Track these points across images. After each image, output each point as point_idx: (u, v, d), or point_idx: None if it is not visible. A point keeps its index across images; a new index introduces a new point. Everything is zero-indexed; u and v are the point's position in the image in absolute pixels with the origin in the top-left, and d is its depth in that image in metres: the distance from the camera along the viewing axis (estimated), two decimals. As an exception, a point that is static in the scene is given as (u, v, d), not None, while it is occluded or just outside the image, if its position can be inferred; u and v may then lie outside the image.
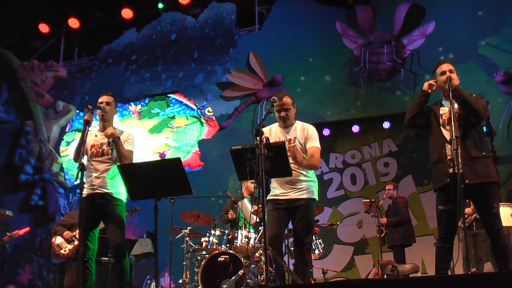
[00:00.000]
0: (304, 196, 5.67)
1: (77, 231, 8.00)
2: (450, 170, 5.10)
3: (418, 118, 5.45)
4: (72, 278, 8.17)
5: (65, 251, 8.39)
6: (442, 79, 5.32)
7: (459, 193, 4.85)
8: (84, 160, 5.99)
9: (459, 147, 4.96)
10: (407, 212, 10.04)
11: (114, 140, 6.08)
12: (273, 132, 5.93)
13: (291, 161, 5.51)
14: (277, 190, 5.76)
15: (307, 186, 5.71)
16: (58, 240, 8.43)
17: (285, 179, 5.67)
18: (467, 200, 5.49)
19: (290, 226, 5.95)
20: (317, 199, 5.84)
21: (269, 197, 5.71)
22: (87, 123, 5.87)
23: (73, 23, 14.39)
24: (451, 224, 5.18)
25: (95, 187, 6.05)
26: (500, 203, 7.87)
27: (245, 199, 8.75)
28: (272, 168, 5.23)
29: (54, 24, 14.70)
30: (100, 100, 6.31)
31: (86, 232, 5.99)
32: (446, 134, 5.23)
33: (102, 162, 6.13)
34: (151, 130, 13.43)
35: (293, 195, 5.67)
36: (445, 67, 5.40)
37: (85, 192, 6.04)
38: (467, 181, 4.97)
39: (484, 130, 10.54)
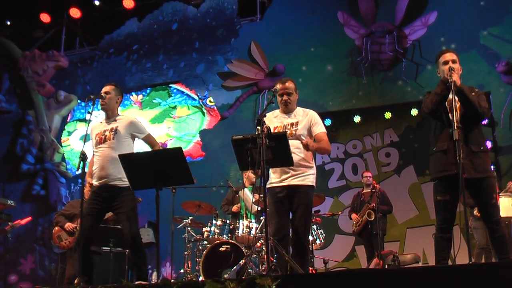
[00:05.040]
0: (303, 183, 5.63)
1: (78, 221, 8.02)
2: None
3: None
4: (74, 269, 8.22)
5: (65, 242, 8.41)
6: (444, 68, 5.26)
7: (461, 183, 4.84)
8: (88, 150, 6.01)
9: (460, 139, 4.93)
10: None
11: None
12: (274, 116, 5.92)
13: (292, 147, 5.50)
14: (274, 177, 5.74)
15: (306, 172, 5.67)
16: (58, 231, 8.45)
17: None
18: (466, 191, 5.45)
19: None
20: (315, 186, 5.81)
21: (268, 186, 5.65)
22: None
23: (75, 12, 14.37)
24: (450, 214, 5.16)
25: (101, 177, 6.02)
26: (501, 194, 7.95)
27: (245, 189, 8.76)
28: (274, 158, 5.23)
29: (56, 13, 14.68)
30: (101, 91, 6.33)
31: (90, 223, 5.97)
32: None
33: (105, 148, 6.09)
34: (153, 120, 13.43)
35: (291, 181, 5.63)
36: (448, 56, 5.31)
37: (94, 182, 6.06)
38: (465, 175, 4.95)
39: (486, 121, 10.61)
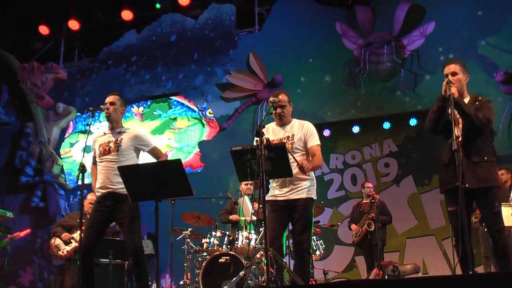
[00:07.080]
0: (303, 196, 5.64)
1: (77, 232, 8.03)
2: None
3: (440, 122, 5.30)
4: (72, 281, 8.20)
5: (62, 252, 8.41)
6: (444, 82, 5.27)
7: (461, 194, 4.83)
8: (88, 162, 6.02)
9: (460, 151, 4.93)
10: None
11: None
12: (270, 130, 5.91)
13: (291, 160, 5.49)
14: (276, 190, 5.73)
15: (306, 185, 5.68)
16: (56, 241, 8.45)
17: (284, 178, 5.66)
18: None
19: (290, 227, 5.94)
20: (315, 198, 5.82)
21: (268, 198, 5.67)
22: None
23: (73, 24, 14.35)
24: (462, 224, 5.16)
25: (104, 187, 6.02)
26: (501, 203, 7.91)
27: (245, 196, 8.75)
28: (273, 169, 5.23)
29: (54, 25, 14.68)
30: (105, 100, 6.31)
31: (93, 234, 5.97)
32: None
33: (109, 161, 6.08)
34: (153, 132, 13.44)
35: (292, 195, 5.64)
36: (448, 69, 5.36)
37: (97, 193, 6.06)
38: (467, 185, 4.94)
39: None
